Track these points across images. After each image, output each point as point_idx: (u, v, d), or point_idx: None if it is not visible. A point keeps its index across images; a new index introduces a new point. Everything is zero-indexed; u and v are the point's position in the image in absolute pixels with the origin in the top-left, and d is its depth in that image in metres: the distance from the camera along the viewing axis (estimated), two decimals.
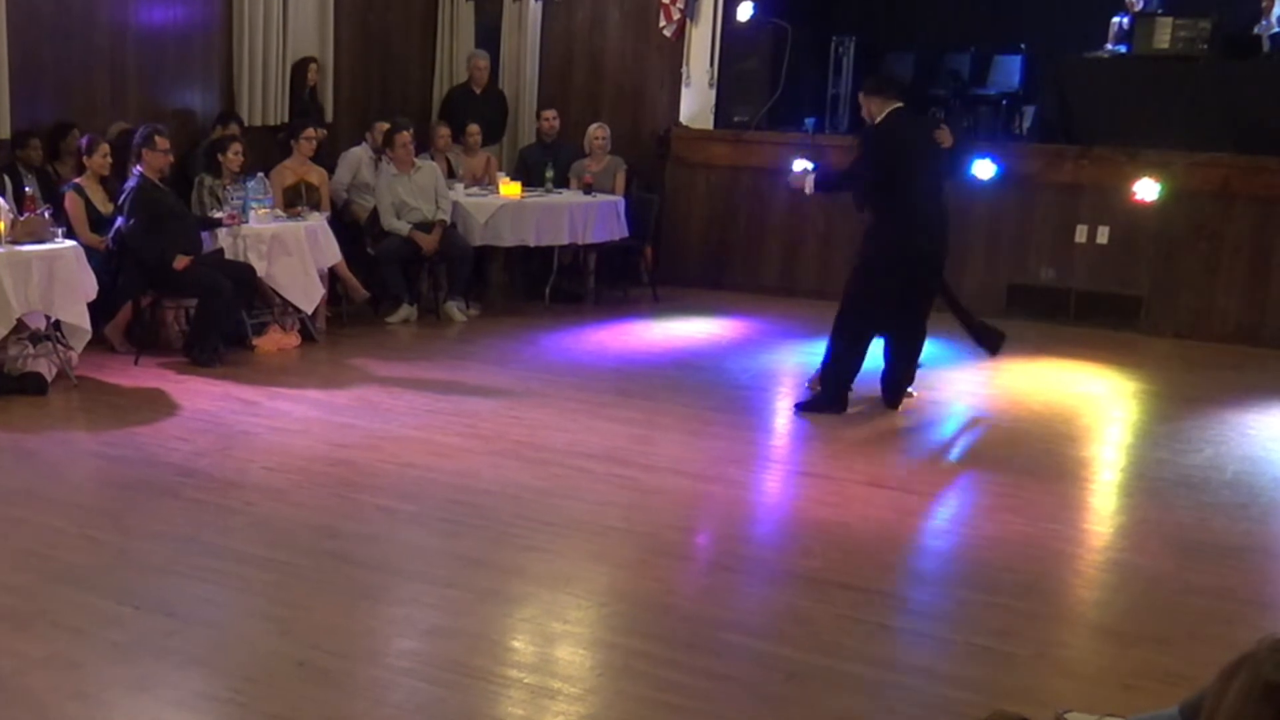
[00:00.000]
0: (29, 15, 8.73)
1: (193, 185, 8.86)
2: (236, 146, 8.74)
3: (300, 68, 10.47)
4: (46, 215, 7.43)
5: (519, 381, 7.87)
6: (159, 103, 9.65)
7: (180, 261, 7.84)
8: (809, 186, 7.60)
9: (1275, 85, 9.72)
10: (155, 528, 5.21)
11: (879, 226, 7.25)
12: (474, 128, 10.89)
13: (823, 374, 7.43)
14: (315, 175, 9.49)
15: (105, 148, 8.21)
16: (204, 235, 8.28)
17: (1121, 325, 9.91)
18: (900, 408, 7.46)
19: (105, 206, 8.19)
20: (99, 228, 8.09)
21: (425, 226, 9.54)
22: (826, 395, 7.36)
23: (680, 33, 11.45)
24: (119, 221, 7.87)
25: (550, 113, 11.26)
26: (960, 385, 8.22)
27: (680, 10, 11.36)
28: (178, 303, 8.31)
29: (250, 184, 8.58)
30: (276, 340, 8.51)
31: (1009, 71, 11.85)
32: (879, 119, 7.21)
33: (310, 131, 9.49)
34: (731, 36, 11.32)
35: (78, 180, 8.22)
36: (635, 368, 8.50)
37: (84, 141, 8.27)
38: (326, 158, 9.99)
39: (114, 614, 4.32)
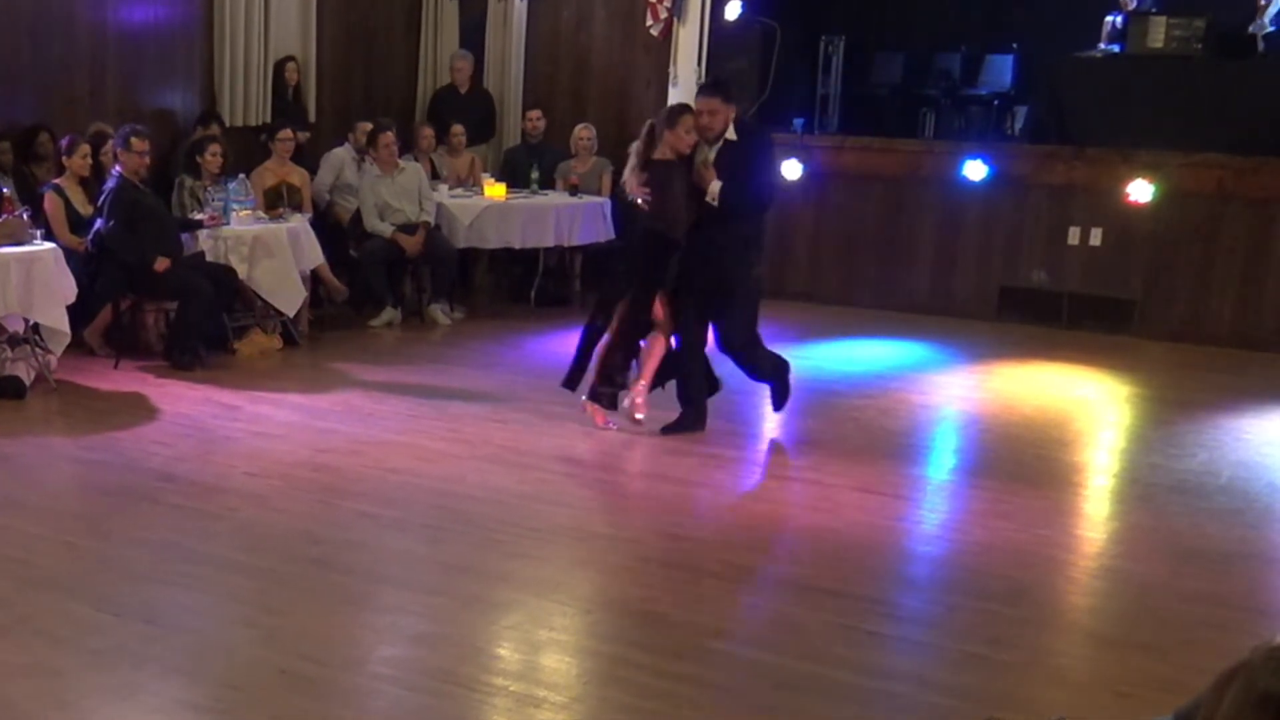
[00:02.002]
0: (7, 15, 8.65)
1: (173, 186, 8.78)
2: (215, 147, 8.64)
3: (281, 67, 10.39)
4: (25, 217, 7.35)
5: (503, 385, 7.80)
6: (139, 103, 9.55)
7: (160, 264, 7.76)
8: (714, 196, 6.55)
9: (1270, 85, 9.69)
10: (135, 534, 5.15)
11: (754, 237, 6.90)
12: (458, 128, 10.81)
13: (777, 393, 7.11)
14: (296, 176, 9.41)
15: (85, 148, 8.12)
16: (185, 237, 8.20)
17: (1115, 328, 9.85)
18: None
19: (85, 208, 8.10)
20: (79, 229, 8.00)
21: (409, 228, 9.46)
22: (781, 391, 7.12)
23: (667, 32, 11.37)
24: (98, 223, 7.78)
25: (535, 113, 11.20)
26: (951, 389, 8.19)
27: (667, 9, 11.29)
28: (158, 305, 8.24)
29: (231, 185, 8.51)
30: (258, 343, 8.42)
31: (1000, 71, 11.83)
32: (733, 126, 6.70)
33: (286, 133, 9.41)
34: (719, 36, 11.24)
35: (57, 181, 8.13)
36: None
37: (64, 142, 8.19)
38: (309, 158, 9.92)
39: (94, 621, 4.28)
